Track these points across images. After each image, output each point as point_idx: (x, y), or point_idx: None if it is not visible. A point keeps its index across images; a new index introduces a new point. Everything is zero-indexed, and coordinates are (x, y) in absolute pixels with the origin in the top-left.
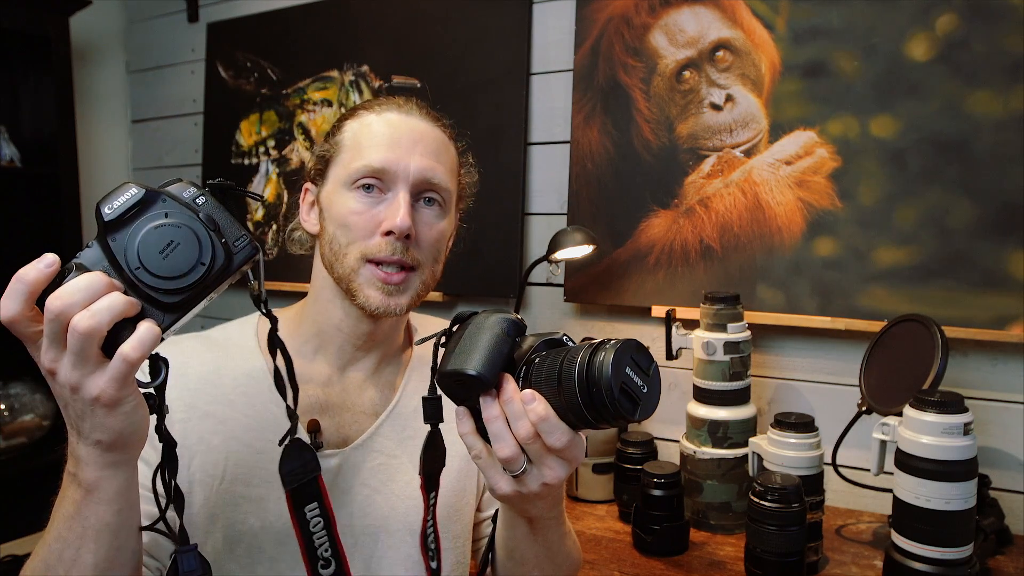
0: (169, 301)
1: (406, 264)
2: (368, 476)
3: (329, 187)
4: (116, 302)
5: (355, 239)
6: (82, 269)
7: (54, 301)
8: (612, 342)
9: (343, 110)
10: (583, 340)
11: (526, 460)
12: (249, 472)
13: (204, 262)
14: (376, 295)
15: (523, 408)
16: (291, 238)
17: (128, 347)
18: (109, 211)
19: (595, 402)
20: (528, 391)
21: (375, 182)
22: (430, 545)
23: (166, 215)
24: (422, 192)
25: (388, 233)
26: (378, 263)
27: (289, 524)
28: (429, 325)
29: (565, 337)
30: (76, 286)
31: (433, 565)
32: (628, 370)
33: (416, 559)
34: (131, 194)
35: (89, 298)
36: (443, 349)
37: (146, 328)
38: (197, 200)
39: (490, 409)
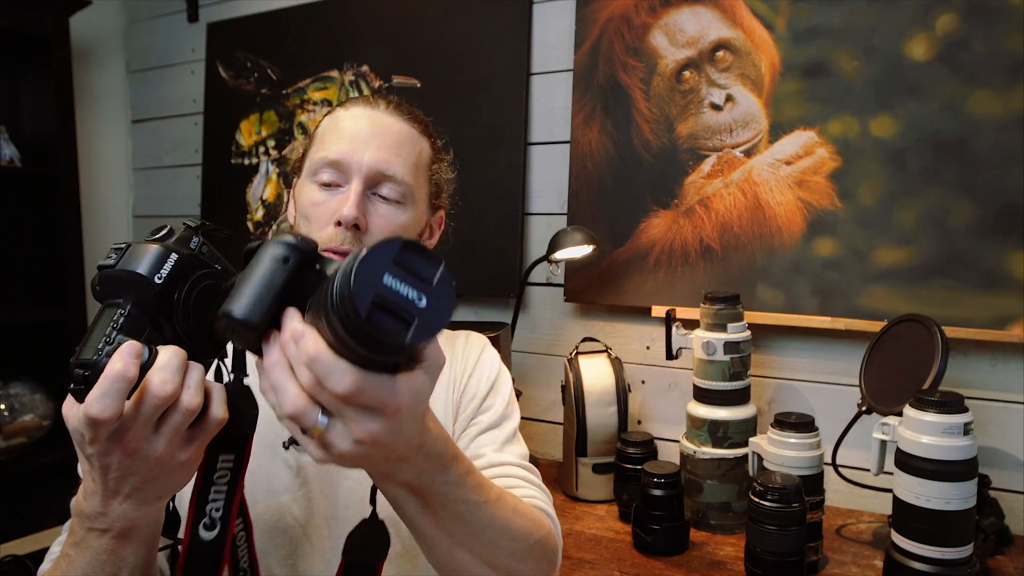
0: (205, 355)
1: None
2: (348, 469)
3: (300, 180)
4: (200, 374)
5: (314, 230)
6: (150, 346)
7: (164, 387)
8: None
9: None
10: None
11: (322, 414)
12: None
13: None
14: None
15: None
16: (279, 229)
17: (220, 410)
18: (160, 280)
19: (353, 326)
20: (299, 326)
21: (333, 174)
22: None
23: (203, 275)
24: (376, 185)
25: (338, 224)
26: (332, 253)
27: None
28: None
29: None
30: (171, 367)
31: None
32: (389, 278)
33: (399, 550)
34: (171, 260)
35: (182, 376)
36: None
37: (219, 389)
38: (203, 250)
39: (268, 355)
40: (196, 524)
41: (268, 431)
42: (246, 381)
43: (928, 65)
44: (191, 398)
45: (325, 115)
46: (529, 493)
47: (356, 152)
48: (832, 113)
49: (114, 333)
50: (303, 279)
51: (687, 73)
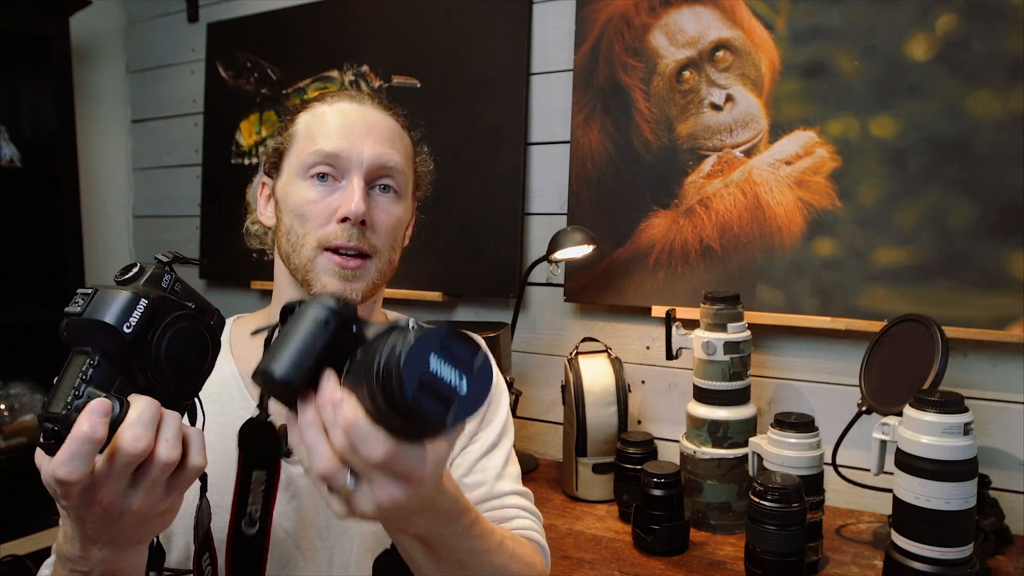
0: (182, 397)
1: (363, 250)
2: None
3: (284, 178)
4: (176, 424)
5: (312, 228)
6: (121, 399)
7: (136, 443)
8: (419, 327)
9: None
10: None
11: (350, 475)
12: (225, 481)
13: (208, 350)
14: (333, 282)
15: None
16: (248, 232)
17: (199, 458)
18: (129, 329)
19: (395, 403)
20: (337, 392)
21: (329, 170)
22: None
23: (177, 318)
24: (377, 178)
25: (344, 220)
26: (335, 250)
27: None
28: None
29: (412, 323)
30: (143, 421)
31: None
32: (435, 361)
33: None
34: (141, 306)
35: (154, 430)
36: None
37: (196, 435)
38: (176, 288)
39: (303, 415)
40: (238, 522)
41: None
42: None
43: (928, 65)
44: (168, 452)
45: (298, 112)
46: (525, 524)
47: (354, 146)
48: (832, 113)
49: (83, 386)
50: (340, 340)
51: (687, 73)
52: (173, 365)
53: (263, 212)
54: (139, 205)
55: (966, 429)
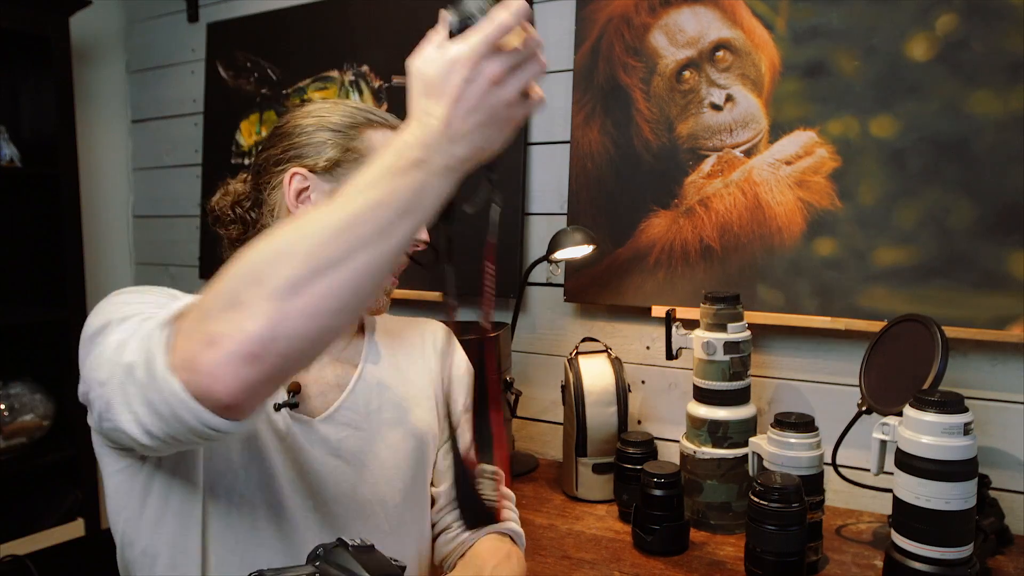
0: None
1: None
2: (336, 447)
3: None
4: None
5: None
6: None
7: (537, 36)
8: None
9: None
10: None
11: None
12: None
13: None
14: (383, 299)
15: None
16: (231, 214)
17: (540, 92)
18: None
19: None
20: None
21: None
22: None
23: None
24: None
25: (416, 246)
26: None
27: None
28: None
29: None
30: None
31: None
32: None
33: (385, 530)
34: None
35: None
36: None
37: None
38: None
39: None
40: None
41: None
42: None
43: (928, 65)
44: (544, 60)
45: (357, 124)
46: (508, 516)
47: None
48: (832, 113)
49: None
50: None
51: (687, 73)
52: None
53: (296, 206)
54: (139, 205)
55: (966, 429)
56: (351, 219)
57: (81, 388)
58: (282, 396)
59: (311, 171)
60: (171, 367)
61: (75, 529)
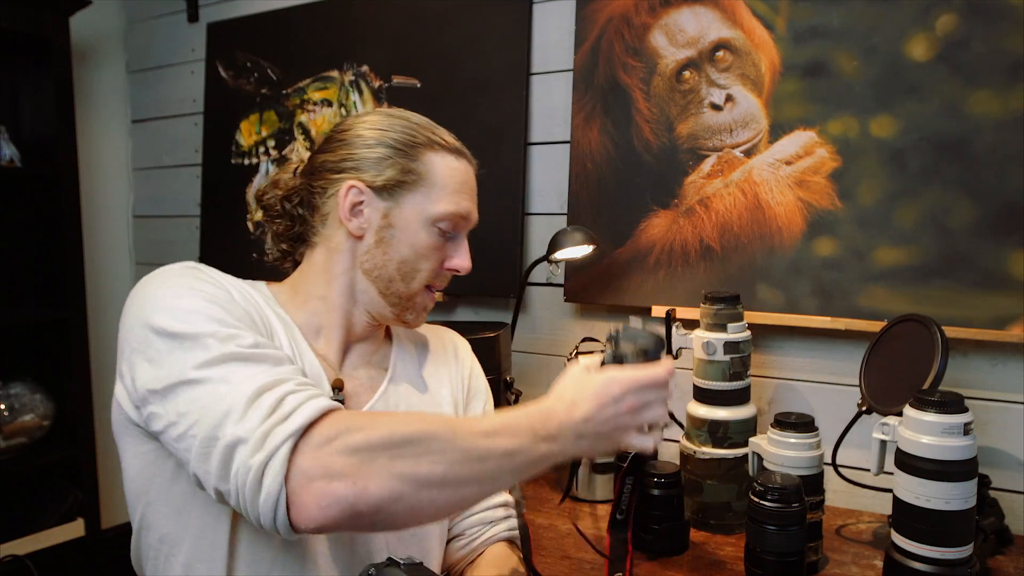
0: None
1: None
2: None
3: (408, 212)
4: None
5: (427, 268)
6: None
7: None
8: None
9: (343, 111)
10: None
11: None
12: None
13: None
14: (424, 315)
15: None
16: (280, 208)
17: (652, 445)
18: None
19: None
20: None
21: (453, 227)
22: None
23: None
24: None
25: (454, 271)
26: (430, 288)
27: None
28: None
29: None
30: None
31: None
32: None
33: (410, 531)
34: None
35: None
36: None
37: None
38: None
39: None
40: (614, 511)
41: None
42: None
43: (928, 65)
44: (667, 412)
45: (417, 144)
46: (511, 524)
47: (472, 212)
48: (832, 113)
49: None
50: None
51: (687, 73)
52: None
53: (347, 217)
54: (139, 205)
55: (966, 429)
56: (486, 453)
57: (127, 369)
58: (329, 391)
59: (368, 186)
60: (285, 477)
61: (75, 529)
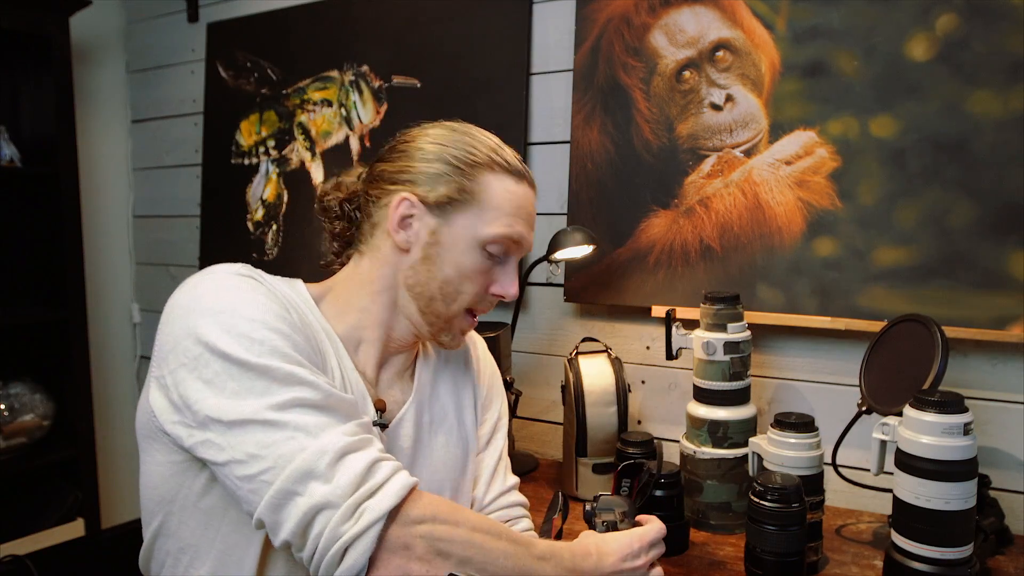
0: None
1: None
2: (398, 456)
3: (457, 231)
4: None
5: (471, 291)
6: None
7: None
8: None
9: (343, 111)
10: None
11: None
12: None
13: None
14: (461, 338)
15: None
16: (339, 210)
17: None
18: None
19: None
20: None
21: (504, 251)
22: None
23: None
24: None
25: (499, 297)
26: (472, 312)
27: None
28: None
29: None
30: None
31: None
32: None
33: None
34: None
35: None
36: None
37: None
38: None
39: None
40: None
41: None
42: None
43: (928, 65)
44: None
45: (475, 163)
46: (526, 525)
47: (526, 237)
48: (832, 113)
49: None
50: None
51: (687, 73)
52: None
53: (395, 230)
54: (139, 205)
55: (966, 429)
56: (533, 574)
57: (173, 383)
58: (373, 413)
59: (420, 200)
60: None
61: (75, 529)
